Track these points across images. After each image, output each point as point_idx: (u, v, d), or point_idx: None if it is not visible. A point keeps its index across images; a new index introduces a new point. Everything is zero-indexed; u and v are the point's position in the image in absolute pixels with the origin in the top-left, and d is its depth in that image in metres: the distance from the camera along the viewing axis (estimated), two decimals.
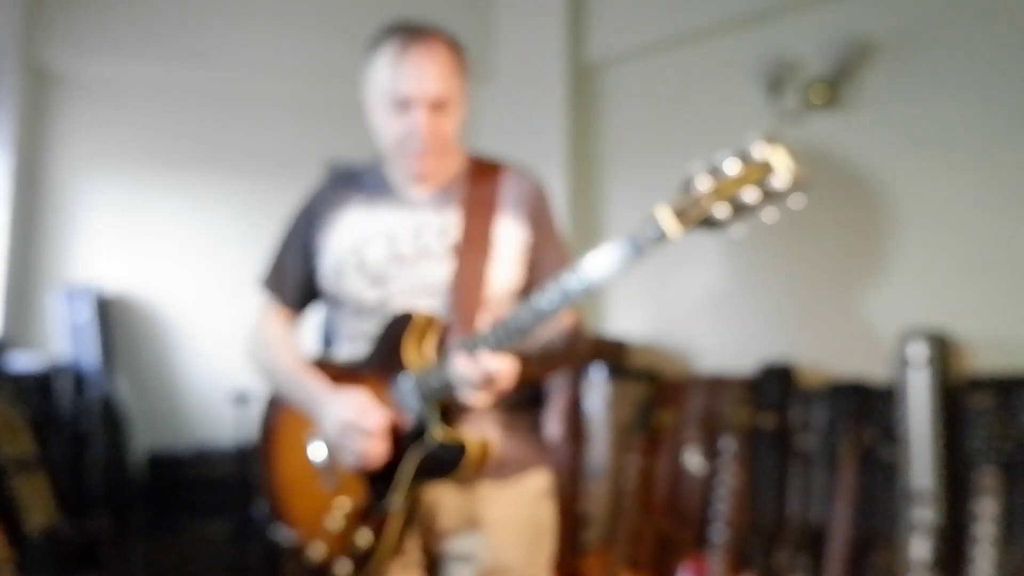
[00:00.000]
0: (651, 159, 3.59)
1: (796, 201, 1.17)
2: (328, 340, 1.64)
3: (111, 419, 3.44)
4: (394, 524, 1.42)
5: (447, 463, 1.38)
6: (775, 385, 2.92)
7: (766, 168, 1.16)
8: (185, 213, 3.83)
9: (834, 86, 2.97)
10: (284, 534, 1.55)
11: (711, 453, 2.97)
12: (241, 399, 3.40)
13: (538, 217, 1.57)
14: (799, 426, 2.83)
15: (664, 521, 3.03)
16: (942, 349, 2.53)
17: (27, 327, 3.59)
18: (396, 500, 1.41)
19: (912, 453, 2.48)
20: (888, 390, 2.63)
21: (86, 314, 3.47)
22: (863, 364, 2.80)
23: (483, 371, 1.31)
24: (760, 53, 3.16)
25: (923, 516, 2.43)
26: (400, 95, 1.45)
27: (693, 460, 3.02)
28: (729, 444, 2.86)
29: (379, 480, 1.42)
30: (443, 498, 1.46)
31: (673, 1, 3.51)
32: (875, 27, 2.92)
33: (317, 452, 1.49)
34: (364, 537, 1.43)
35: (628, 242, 1.26)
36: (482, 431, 1.43)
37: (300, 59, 3.93)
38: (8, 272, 3.53)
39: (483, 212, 1.52)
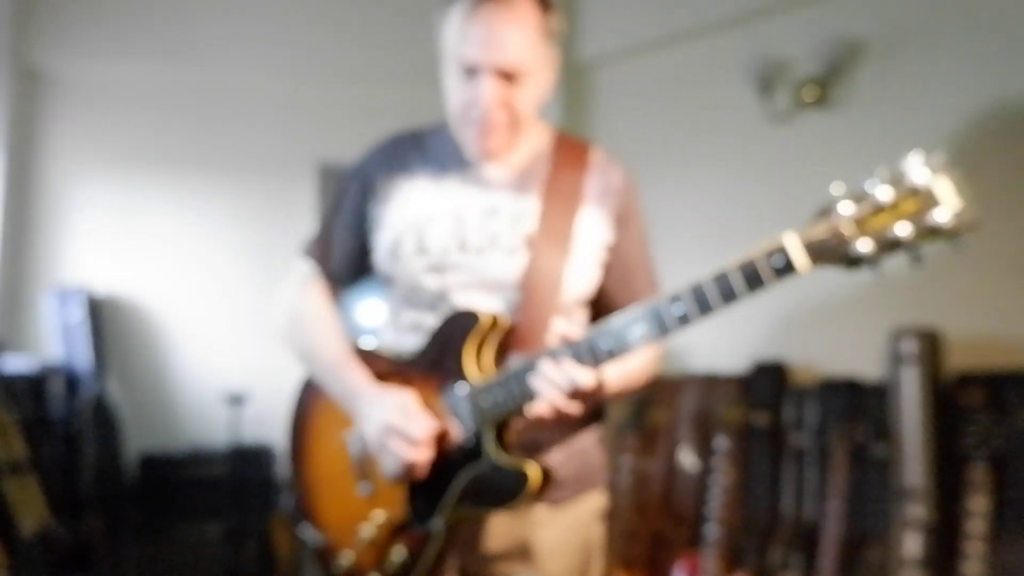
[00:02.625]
0: (643, 158, 3.59)
1: (959, 244, 0.94)
2: (387, 324, 1.45)
3: (103, 420, 3.43)
4: (433, 546, 1.28)
5: (503, 491, 1.21)
6: (768, 384, 2.93)
7: (929, 197, 0.94)
8: (177, 213, 3.82)
9: (824, 85, 2.98)
10: (311, 534, 1.42)
11: (704, 451, 2.98)
12: (234, 400, 3.39)
13: (625, 216, 1.38)
14: (792, 424, 2.84)
15: (658, 519, 3.04)
16: (933, 346, 2.54)
17: (19, 328, 3.58)
18: (439, 522, 1.26)
19: (904, 450, 2.49)
20: (880, 388, 2.64)
21: (78, 315, 3.46)
22: (855, 362, 2.81)
23: (584, 384, 1.14)
24: (751, 53, 3.17)
25: (915, 513, 2.44)
26: (467, 60, 1.25)
27: (687, 458, 3.02)
28: (722, 442, 2.86)
29: (421, 496, 1.28)
30: (490, 520, 1.32)
31: (664, 1, 3.52)
32: (865, 26, 2.94)
33: (355, 455, 1.34)
34: (399, 554, 1.30)
35: (743, 271, 1.05)
36: (541, 455, 1.27)
37: (292, 59, 3.93)
38: (0, 273, 3.52)
39: (565, 202, 1.33)
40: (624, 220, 1.38)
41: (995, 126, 2.67)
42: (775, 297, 3.43)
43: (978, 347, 2.61)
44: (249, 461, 3.44)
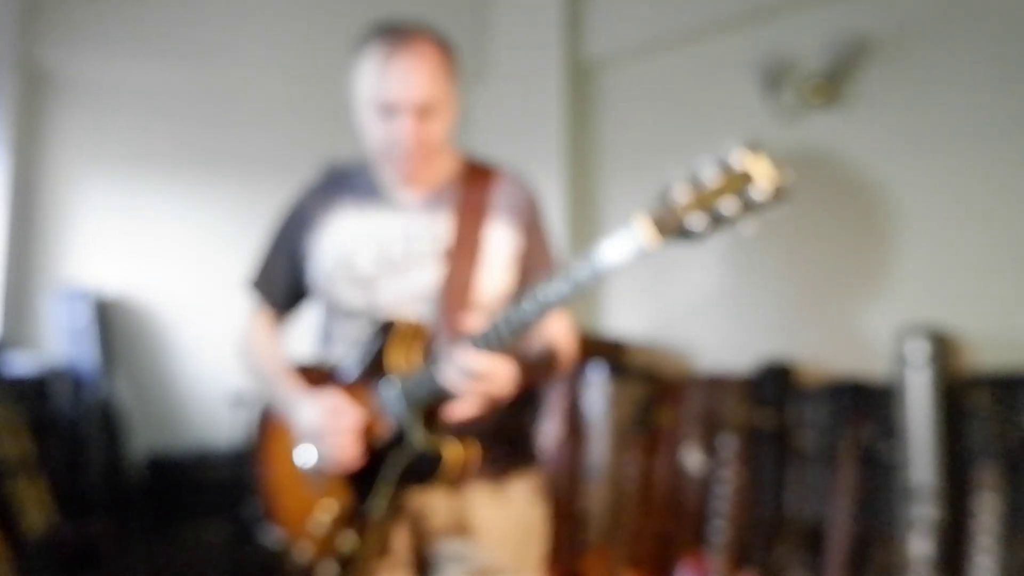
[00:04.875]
0: (648, 159, 3.59)
1: (776, 212, 1.11)
2: (325, 340, 1.64)
3: (109, 421, 3.44)
4: (378, 527, 1.43)
5: (426, 470, 1.39)
6: (774, 384, 2.92)
7: (745, 178, 1.11)
8: (183, 214, 3.82)
9: (832, 84, 2.97)
10: (273, 534, 1.58)
11: (710, 452, 2.97)
12: (239, 401, 3.39)
13: (530, 224, 1.56)
14: (798, 424, 2.83)
15: (664, 519, 3.03)
16: (941, 346, 2.53)
17: (25, 329, 3.58)
18: (379, 505, 1.42)
19: (912, 450, 2.48)
20: (887, 388, 2.63)
21: (85, 316, 3.47)
22: (862, 362, 2.80)
23: (479, 367, 1.28)
24: (758, 51, 3.16)
25: (924, 513, 2.43)
26: (385, 101, 1.43)
27: (692, 459, 3.02)
28: (728, 443, 2.86)
29: (363, 484, 1.43)
30: (433, 501, 1.47)
31: (670, 1, 3.51)
32: (873, 24, 2.92)
33: (302, 455, 1.50)
34: (348, 540, 1.44)
35: (605, 253, 1.21)
36: (466, 436, 1.41)
37: (298, 60, 3.93)
38: (6, 274, 3.52)
39: (474, 217, 1.50)
40: (530, 228, 1.55)
41: (1005, 124, 2.65)
42: (782, 297, 3.42)
43: (989, 344, 2.59)
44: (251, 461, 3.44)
